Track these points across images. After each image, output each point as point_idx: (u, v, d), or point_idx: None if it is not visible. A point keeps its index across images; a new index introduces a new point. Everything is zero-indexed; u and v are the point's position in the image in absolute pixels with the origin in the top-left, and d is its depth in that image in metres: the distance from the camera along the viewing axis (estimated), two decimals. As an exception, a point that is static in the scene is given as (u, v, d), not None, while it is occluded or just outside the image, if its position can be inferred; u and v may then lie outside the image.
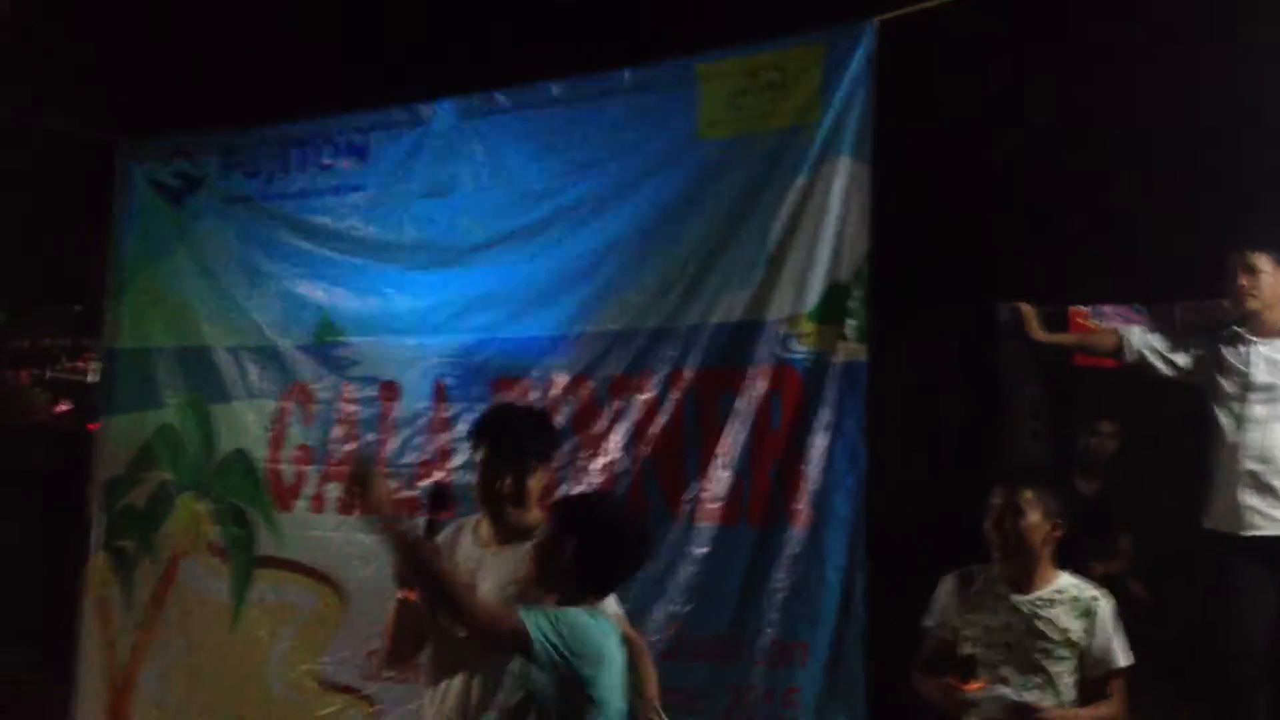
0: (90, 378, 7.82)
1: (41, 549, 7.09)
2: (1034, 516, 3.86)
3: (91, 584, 5.84)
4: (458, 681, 3.47)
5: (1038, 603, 3.88)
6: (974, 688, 3.78)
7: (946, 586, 4.03)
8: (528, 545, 3.48)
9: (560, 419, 4.79)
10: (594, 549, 3.22)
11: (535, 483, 3.62)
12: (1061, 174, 5.22)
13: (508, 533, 3.59)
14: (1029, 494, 3.88)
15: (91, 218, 6.28)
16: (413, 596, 3.48)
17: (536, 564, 3.27)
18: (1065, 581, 3.92)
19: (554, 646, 3.09)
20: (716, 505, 4.54)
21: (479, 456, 3.64)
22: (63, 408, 8.10)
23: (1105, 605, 3.88)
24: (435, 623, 3.51)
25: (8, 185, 6.57)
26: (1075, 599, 3.87)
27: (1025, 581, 3.90)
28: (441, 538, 3.71)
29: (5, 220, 6.55)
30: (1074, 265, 5.31)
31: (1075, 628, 3.84)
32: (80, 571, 5.89)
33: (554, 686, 3.11)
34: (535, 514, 3.63)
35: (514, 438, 3.64)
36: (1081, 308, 5.83)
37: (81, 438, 6.93)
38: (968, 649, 3.90)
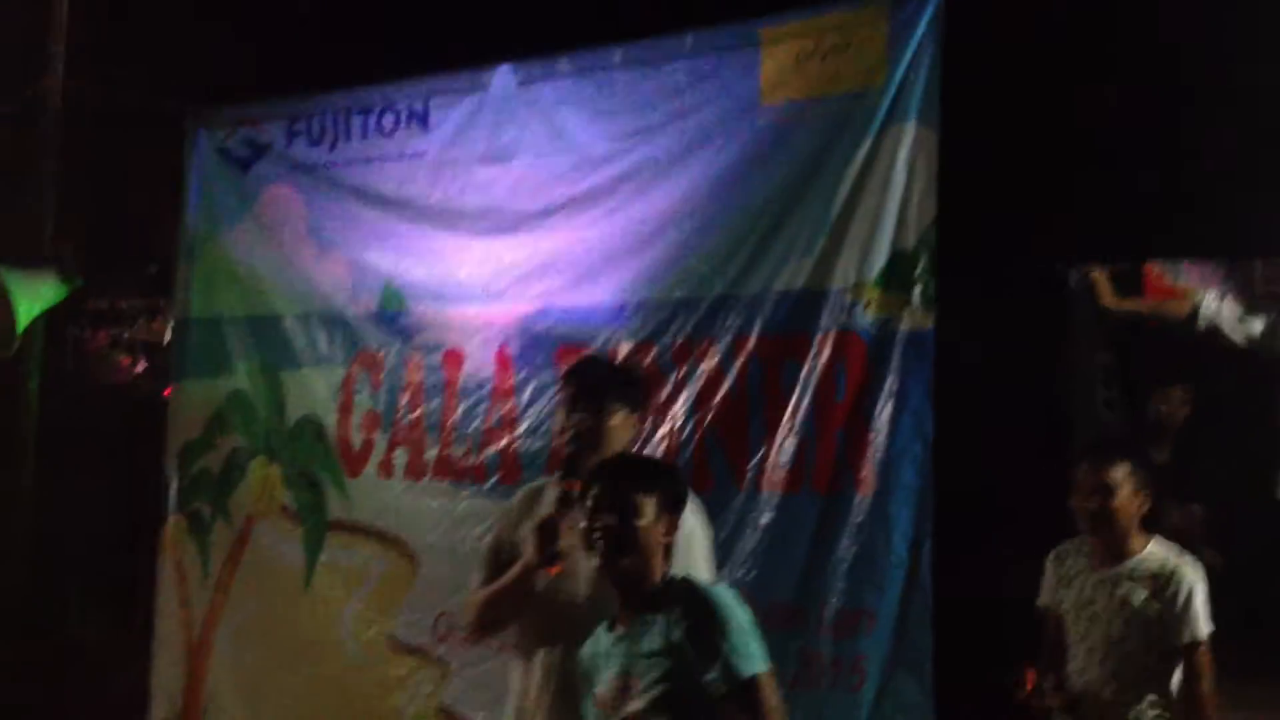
0: (165, 338, 7.94)
1: (120, 511, 7.24)
2: (1122, 491, 3.84)
3: (168, 546, 5.96)
4: (556, 653, 3.44)
5: (1120, 575, 3.89)
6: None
7: (1048, 565, 4.08)
8: None
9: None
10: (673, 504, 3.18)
11: (616, 424, 3.52)
12: (1137, 128, 5.09)
13: None
14: (1116, 469, 3.85)
15: (163, 186, 6.38)
16: (555, 571, 3.39)
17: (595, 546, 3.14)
18: (1151, 550, 3.89)
19: None
20: (781, 473, 4.51)
21: (559, 399, 3.60)
22: (139, 368, 8.23)
23: (1187, 573, 3.83)
24: (536, 596, 3.45)
25: (84, 154, 6.67)
26: (1158, 569, 3.84)
27: (1113, 555, 3.91)
28: (520, 495, 3.69)
29: (82, 189, 6.66)
30: (1150, 221, 5.19)
31: (1152, 597, 3.83)
32: (157, 533, 6.01)
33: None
34: None
35: (596, 379, 3.61)
36: (1157, 265, 5.72)
37: (156, 401, 7.07)
38: (1067, 627, 3.96)
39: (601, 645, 3.16)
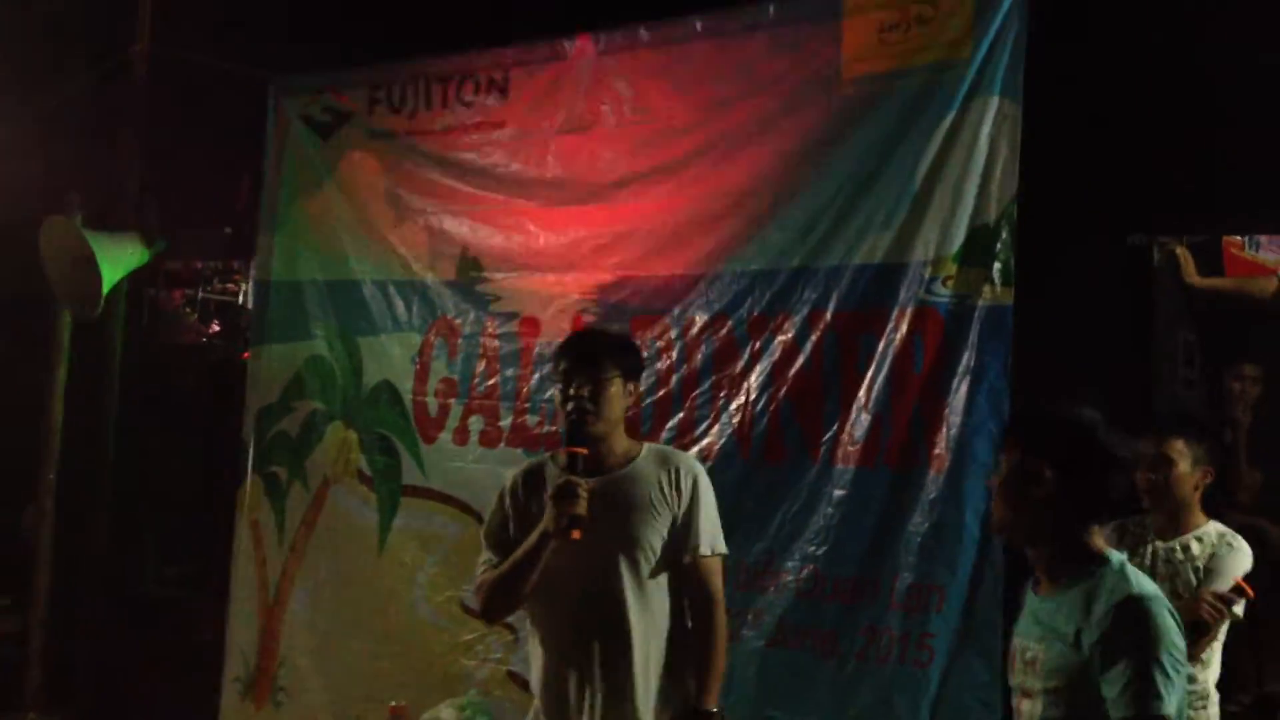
0: (240, 300, 8.05)
1: (199, 472, 7.37)
2: (1183, 466, 3.92)
3: (245, 507, 6.04)
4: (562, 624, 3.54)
5: (1176, 548, 3.97)
6: None
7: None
8: (630, 472, 3.54)
9: (699, 359, 4.81)
10: (1080, 468, 2.74)
11: (614, 394, 3.56)
12: (1218, 102, 5.00)
13: (601, 463, 3.57)
14: (1179, 443, 3.90)
15: (244, 151, 6.46)
16: (578, 535, 3.42)
17: (1006, 503, 2.80)
18: (1209, 528, 3.94)
19: None
20: (855, 447, 4.50)
21: (559, 369, 3.62)
22: (214, 329, 8.35)
23: (1234, 552, 3.86)
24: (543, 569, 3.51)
25: (168, 119, 6.77)
26: (1211, 547, 3.87)
27: (1172, 528, 3.99)
28: (519, 476, 3.72)
29: (165, 153, 6.76)
30: (1229, 194, 5.10)
31: (1195, 575, 3.90)
32: (236, 494, 6.11)
33: None
34: (626, 443, 3.64)
35: (593, 349, 3.64)
36: (1236, 238, 5.61)
37: (233, 362, 7.18)
38: None
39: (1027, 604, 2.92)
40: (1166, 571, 3.96)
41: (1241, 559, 3.90)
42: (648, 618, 3.54)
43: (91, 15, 6.75)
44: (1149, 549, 4.01)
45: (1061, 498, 2.71)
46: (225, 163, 6.95)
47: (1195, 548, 3.95)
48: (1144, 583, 2.70)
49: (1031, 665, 2.76)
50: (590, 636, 3.52)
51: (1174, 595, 3.89)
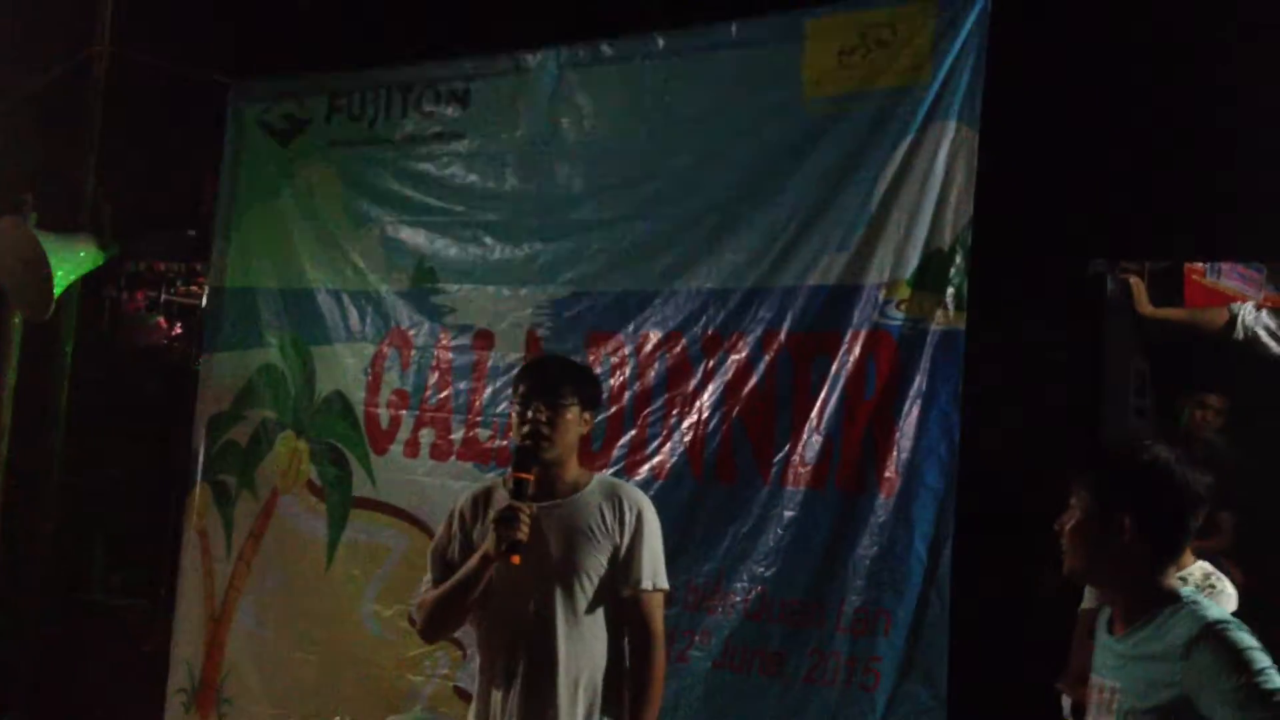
0: (202, 303, 7.98)
1: (150, 477, 7.28)
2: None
3: (193, 515, 5.98)
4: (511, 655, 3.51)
5: None
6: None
7: None
8: (575, 501, 3.52)
9: (652, 376, 4.80)
10: (1159, 512, 2.64)
11: (570, 421, 3.54)
12: (1179, 127, 5.03)
13: (549, 490, 3.55)
14: None
15: (204, 155, 6.41)
16: (516, 561, 3.39)
17: (1080, 552, 2.69)
18: (1194, 569, 3.94)
19: None
20: (806, 469, 4.49)
21: (518, 392, 3.60)
22: (176, 331, 8.26)
23: (1217, 594, 3.84)
24: (491, 597, 3.50)
25: (126, 121, 6.70)
26: (1195, 584, 3.86)
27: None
28: (468, 498, 3.68)
29: (123, 156, 6.70)
30: (1190, 221, 5.13)
31: None
32: (184, 502, 6.04)
33: None
34: (576, 471, 3.62)
35: (552, 376, 3.62)
36: (1198, 265, 5.63)
37: (191, 367, 7.10)
38: None
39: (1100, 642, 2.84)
40: None
41: (1225, 600, 3.86)
42: (580, 647, 3.51)
43: (50, 15, 6.67)
44: None
45: (1139, 542, 2.63)
46: (189, 165, 6.89)
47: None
48: (1213, 609, 2.64)
49: (1108, 704, 2.71)
50: (518, 659, 3.50)
51: None
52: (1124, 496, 2.62)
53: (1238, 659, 2.48)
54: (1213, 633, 2.52)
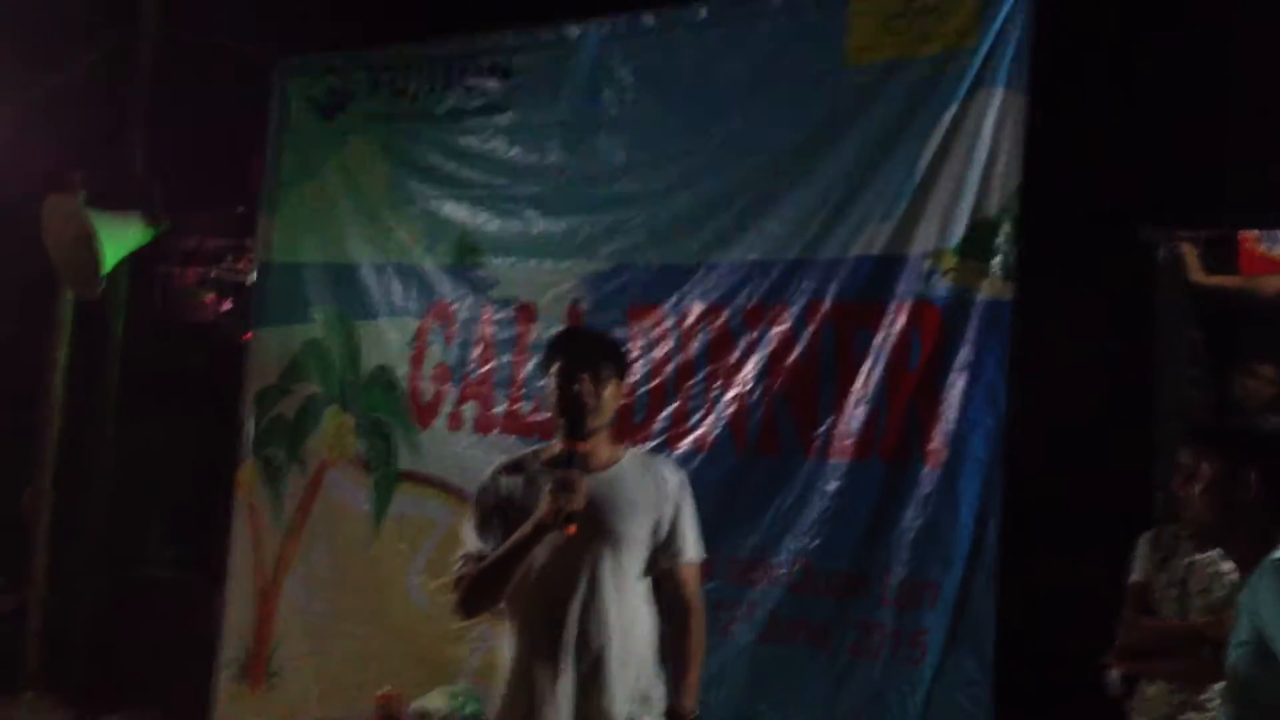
0: (251, 279, 8.03)
1: (201, 452, 7.35)
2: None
3: (242, 489, 6.03)
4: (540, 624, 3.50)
5: (1209, 560, 3.88)
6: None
7: (1143, 545, 4.08)
8: (612, 474, 3.51)
9: (694, 348, 4.77)
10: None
11: (610, 395, 3.52)
12: (1229, 94, 4.93)
13: (585, 461, 3.48)
14: None
15: (251, 130, 6.43)
16: (573, 530, 3.37)
17: (1211, 510, 3.02)
18: None
19: None
20: (849, 441, 4.45)
21: (554, 369, 3.57)
22: (226, 307, 8.31)
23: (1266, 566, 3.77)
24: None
25: (174, 98, 6.75)
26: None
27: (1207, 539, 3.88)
28: (495, 470, 3.66)
29: (171, 133, 6.75)
30: (1246, 188, 5.02)
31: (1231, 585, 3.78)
32: (233, 477, 6.09)
33: None
34: (609, 446, 3.59)
35: (587, 347, 3.61)
36: (1252, 232, 5.52)
37: (236, 344, 7.15)
38: (1158, 603, 3.97)
39: None
40: (1199, 585, 3.89)
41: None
42: (628, 616, 3.50)
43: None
44: (1182, 560, 3.93)
45: (1264, 503, 2.92)
46: (239, 140, 6.92)
47: (1221, 567, 3.85)
48: None
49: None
50: (568, 630, 3.47)
51: (1206, 609, 3.84)
52: (1250, 456, 2.97)
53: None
54: (1275, 565, 2.77)
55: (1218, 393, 5.04)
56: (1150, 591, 4.00)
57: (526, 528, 3.42)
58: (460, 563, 3.58)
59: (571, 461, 3.43)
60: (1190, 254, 4.72)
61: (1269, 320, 5.01)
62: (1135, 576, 4.04)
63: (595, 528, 3.48)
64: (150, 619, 6.78)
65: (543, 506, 3.38)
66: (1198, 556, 3.93)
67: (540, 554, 3.47)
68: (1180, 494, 3.81)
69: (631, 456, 3.65)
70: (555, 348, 3.68)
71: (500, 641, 3.71)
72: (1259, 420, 3.01)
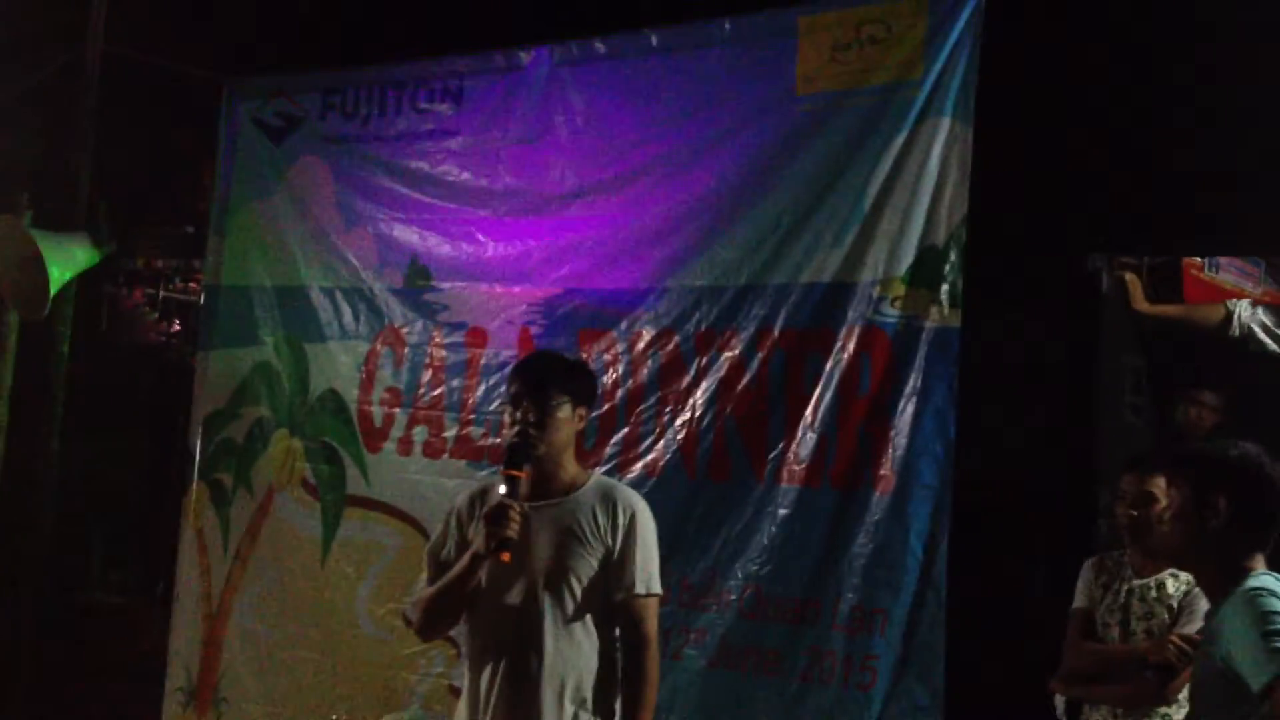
0: (200, 300, 7.98)
1: (147, 475, 7.29)
2: (1165, 503, 3.83)
3: (190, 513, 5.97)
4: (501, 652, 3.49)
5: (1150, 586, 3.95)
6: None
7: (1086, 571, 4.12)
8: (569, 502, 3.50)
9: (645, 373, 4.79)
10: (1249, 497, 2.90)
11: (562, 419, 3.50)
12: (1175, 122, 5.01)
13: (543, 489, 3.53)
14: (1162, 480, 3.84)
15: (200, 152, 6.40)
16: (507, 558, 3.39)
17: (1181, 536, 2.97)
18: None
19: None
20: (800, 467, 4.46)
21: (510, 390, 3.58)
22: (173, 328, 8.25)
23: (1197, 599, 3.82)
24: (480, 594, 3.50)
25: (122, 119, 6.69)
26: (1186, 583, 3.86)
27: (1149, 566, 3.97)
28: (465, 498, 3.66)
29: (119, 154, 6.69)
30: (1189, 216, 5.10)
31: (1169, 613, 3.87)
32: (181, 501, 6.03)
33: None
34: (574, 470, 3.59)
35: (542, 373, 3.59)
36: (1196, 259, 5.61)
37: (188, 364, 7.10)
38: (1102, 629, 4.02)
39: None
40: (1142, 610, 3.94)
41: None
42: (568, 649, 3.47)
43: (45, 13, 6.66)
44: (1125, 586, 3.99)
45: (1234, 528, 2.89)
46: (185, 162, 6.88)
47: (1170, 585, 3.92)
48: (1263, 580, 2.84)
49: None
50: (502, 657, 3.48)
51: (1148, 634, 3.90)
52: (1218, 482, 2.91)
53: (1259, 618, 2.69)
54: (1246, 596, 2.77)
55: (1160, 420, 5.12)
56: (1093, 617, 4.04)
57: (465, 558, 3.48)
58: (421, 585, 3.64)
59: (513, 490, 3.43)
60: (1134, 283, 4.80)
61: (1210, 348, 5.09)
62: (1079, 603, 4.09)
63: (539, 557, 3.48)
64: (95, 645, 6.70)
65: (478, 536, 3.41)
66: (1139, 582, 3.99)
67: (487, 581, 3.48)
68: (1122, 520, 3.87)
69: (594, 483, 3.61)
70: (512, 373, 3.71)
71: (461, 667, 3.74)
72: (1226, 445, 2.97)
